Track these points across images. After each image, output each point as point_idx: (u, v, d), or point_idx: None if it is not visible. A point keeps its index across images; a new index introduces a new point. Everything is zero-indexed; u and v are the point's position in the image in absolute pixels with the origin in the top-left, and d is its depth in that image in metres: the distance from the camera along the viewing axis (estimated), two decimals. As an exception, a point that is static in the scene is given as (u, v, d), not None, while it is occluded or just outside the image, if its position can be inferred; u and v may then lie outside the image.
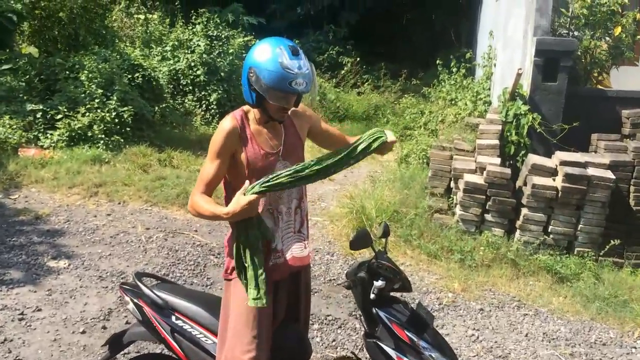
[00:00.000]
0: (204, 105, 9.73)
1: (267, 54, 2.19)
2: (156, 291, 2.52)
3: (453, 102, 9.14)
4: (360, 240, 2.29)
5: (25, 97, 7.72)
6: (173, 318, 2.46)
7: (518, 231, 5.48)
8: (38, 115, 7.38)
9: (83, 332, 3.68)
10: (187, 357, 2.40)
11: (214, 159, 2.31)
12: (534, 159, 5.64)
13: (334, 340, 3.89)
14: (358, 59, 13.04)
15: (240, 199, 2.14)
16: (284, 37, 2.31)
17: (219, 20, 10.82)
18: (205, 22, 10.41)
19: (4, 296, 4.00)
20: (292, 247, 2.37)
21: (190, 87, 9.80)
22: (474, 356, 3.88)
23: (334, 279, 4.76)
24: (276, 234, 2.35)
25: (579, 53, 6.35)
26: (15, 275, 4.30)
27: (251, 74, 2.23)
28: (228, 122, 2.32)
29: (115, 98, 7.56)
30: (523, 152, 5.95)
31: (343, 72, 12.78)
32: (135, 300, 2.53)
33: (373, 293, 2.25)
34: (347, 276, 2.42)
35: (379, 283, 2.24)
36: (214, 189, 2.36)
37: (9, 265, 4.44)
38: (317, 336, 3.93)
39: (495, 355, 3.92)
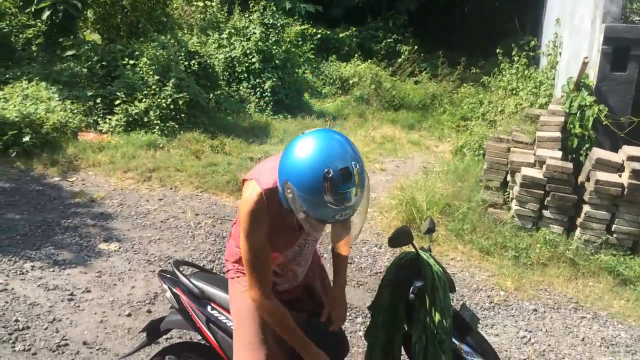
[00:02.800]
0: (258, 93, 9.76)
1: (310, 177, 1.73)
2: (193, 280, 2.49)
3: (514, 92, 8.79)
4: (401, 237, 2.17)
5: (86, 83, 7.97)
6: (209, 308, 2.42)
7: (578, 229, 5.18)
8: (98, 101, 7.59)
9: (129, 315, 3.74)
10: (221, 347, 2.36)
11: (257, 249, 2.00)
12: (598, 153, 5.31)
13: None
14: (416, 47, 12.75)
15: None
16: (335, 135, 1.82)
17: (275, 8, 10.80)
18: (261, 10, 10.42)
19: (56, 276, 4.12)
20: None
21: (245, 75, 9.86)
22: (525, 359, 3.69)
23: (380, 272, 4.65)
24: (283, 281, 2.28)
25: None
26: (68, 256, 4.42)
27: (287, 190, 1.80)
28: (259, 206, 1.95)
29: (171, 84, 7.67)
30: (587, 145, 5.62)
31: (400, 60, 12.53)
32: (173, 289, 2.51)
33: (412, 293, 2.13)
34: (385, 277, 2.32)
35: (419, 283, 2.12)
36: (271, 274, 2.12)
37: (62, 246, 4.57)
38: (360, 330, 3.84)
39: (548, 359, 3.72)
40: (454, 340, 2.13)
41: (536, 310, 4.32)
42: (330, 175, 1.70)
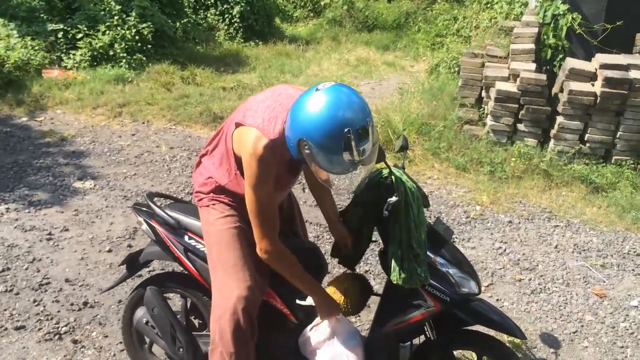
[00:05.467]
0: (227, 20, 9.44)
1: (331, 139, 1.77)
2: (168, 211, 2.47)
3: (489, 5, 8.61)
4: (373, 154, 2.15)
5: (45, 17, 7.61)
6: (186, 238, 2.42)
7: (552, 140, 5.24)
8: (59, 35, 7.27)
9: (109, 251, 3.75)
10: (201, 275, 2.38)
11: (266, 197, 2.00)
12: (572, 62, 5.29)
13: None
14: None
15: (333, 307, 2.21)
16: (351, 94, 1.84)
17: None
18: None
19: (32, 217, 4.08)
20: None
21: (212, 1, 9.48)
22: (500, 269, 3.81)
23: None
24: None
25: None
26: (43, 197, 4.37)
27: (305, 146, 1.82)
28: (266, 153, 1.94)
29: (134, 14, 7.36)
30: (561, 56, 5.60)
31: (372, -22, 12.11)
32: (149, 221, 2.50)
33: (386, 210, 2.14)
34: (356, 194, 2.32)
35: (392, 199, 2.13)
36: (279, 222, 2.11)
37: (36, 187, 4.50)
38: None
39: (523, 267, 3.85)
40: (428, 253, 2.17)
41: (511, 222, 4.43)
42: (350, 135, 1.76)
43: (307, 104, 1.81)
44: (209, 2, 9.52)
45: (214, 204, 2.24)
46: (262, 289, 2.17)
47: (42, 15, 7.67)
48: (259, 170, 1.95)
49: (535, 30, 5.69)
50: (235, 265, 2.12)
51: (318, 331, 2.27)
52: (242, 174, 2.09)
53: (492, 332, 2.36)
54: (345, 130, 1.76)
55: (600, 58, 5.14)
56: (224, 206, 2.21)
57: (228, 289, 2.08)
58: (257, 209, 2.01)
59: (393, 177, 2.17)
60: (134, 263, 2.63)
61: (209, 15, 9.49)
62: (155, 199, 2.59)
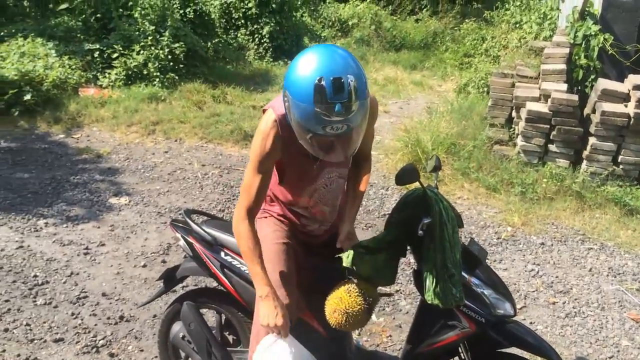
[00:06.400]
0: (256, 39, 9.58)
1: (303, 85, 1.73)
2: (205, 228, 2.53)
3: (518, 25, 8.61)
4: (406, 174, 2.17)
5: (82, 37, 7.85)
6: (222, 254, 2.47)
7: (585, 162, 5.19)
8: (95, 55, 7.47)
9: (144, 266, 3.82)
10: (237, 291, 2.42)
11: (256, 171, 2.02)
12: (604, 83, 5.25)
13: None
14: (415, -17, 12.41)
15: (272, 313, 1.99)
16: (337, 50, 1.82)
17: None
18: (255, -49, 10.08)
19: (70, 232, 4.19)
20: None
21: (242, 21, 9.65)
22: (533, 291, 3.78)
23: (388, 214, 4.69)
24: (311, 222, 2.29)
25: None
26: (80, 212, 4.48)
27: (285, 99, 1.82)
28: (271, 128, 1.97)
29: (167, 34, 7.54)
30: (592, 77, 5.55)
31: (399, -2, 12.23)
32: (186, 237, 2.55)
33: (421, 230, 2.16)
34: (393, 213, 2.33)
35: (427, 219, 2.14)
36: (261, 205, 2.12)
37: (73, 202, 4.62)
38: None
39: (556, 290, 3.80)
40: (463, 273, 2.17)
41: (543, 243, 4.39)
42: (321, 83, 1.70)
43: (295, 59, 1.83)
44: (239, 23, 9.69)
45: (265, 217, 2.30)
46: (301, 307, 2.20)
47: (79, 35, 7.92)
48: (256, 144, 1.99)
49: (567, 50, 5.67)
50: (277, 282, 2.16)
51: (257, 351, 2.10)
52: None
53: (526, 355, 2.34)
54: (318, 77, 1.71)
55: (634, 79, 5.09)
56: (275, 220, 2.26)
57: None
58: (247, 179, 2.04)
59: (427, 196, 2.19)
60: (171, 278, 2.69)
61: (239, 35, 9.66)
62: (193, 215, 2.65)
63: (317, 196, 2.20)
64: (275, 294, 2.04)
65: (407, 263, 3.99)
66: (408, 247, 2.32)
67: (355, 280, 2.13)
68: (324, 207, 2.24)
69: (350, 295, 2.09)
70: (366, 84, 1.81)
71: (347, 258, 2.07)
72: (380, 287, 2.31)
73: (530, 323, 3.43)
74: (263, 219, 2.29)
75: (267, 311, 2.01)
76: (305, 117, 1.75)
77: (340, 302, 2.09)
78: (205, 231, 2.50)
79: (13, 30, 7.83)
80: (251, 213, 2.06)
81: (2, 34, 7.75)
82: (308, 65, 1.75)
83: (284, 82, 1.84)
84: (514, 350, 2.23)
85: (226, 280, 2.44)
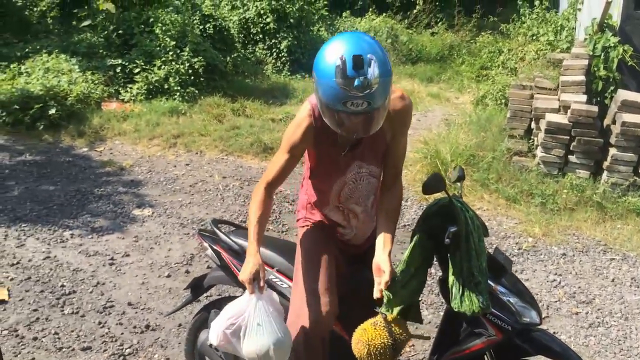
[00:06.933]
0: (274, 54, 9.71)
1: (327, 63, 1.83)
2: (232, 237, 2.58)
3: (534, 37, 8.61)
4: (433, 183, 2.20)
5: (104, 53, 8.01)
6: (249, 263, 2.51)
7: (605, 172, 5.17)
8: (117, 70, 7.63)
9: (168, 276, 3.88)
10: (264, 300, 2.46)
11: (285, 151, 2.13)
12: (624, 94, 5.25)
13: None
14: (431, -3, 12.50)
15: (244, 269, 2.08)
16: (364, 35, 1.91)
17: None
18: (273, -32, 10.24)
19: (95, 243, 4.27)
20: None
21: (261, 36, 9.79)
22: (556, 301, 3.77)
23: (408, 225, 4.72)
24: (347, 230, 2.34)
25: (679, -25, 5.74)
26: (104, 224, 4.56)
27: (313, 79, 1.93)
28: (305, 117, 2.09)
29: (187, 49, 7.67)
30: (612, 88, 5.55)
31: (415, 11, 12.30)
32: (214, 246, 2.60)
33: (448, 238, 2.18)
34: (419, 222, 2.36)
35: (453, 227, 2.17)
36: (281, 182, 2.24)
37: (97, 214, 4.71)
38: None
39: (579, 300, 3.79)
40: (489, 281, 2.19)
41: (565, 254, 4.37)
42: (343, 59, 1.78)
43: (323, 45, 1.92)
44: (258, 37, 9.83)
45: (307, 226, 2.36)
46: (336, 312, 2.23)
47: (101, 51, 8.09)
48: (290, 130, 2.12)
49: (585, 62, 5.68)
50: (314, 289, 2.19)
51: (231, 306, 2.12)
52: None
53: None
54: (341, 54, 1.80)
55: (654, 89, 5.09)
56: (316, 228, 2.32)
57: (303, 313, 2.16)
58: (275, 156, 2.17)
59: (453, 205, 2.22)
60: (198, 287, 2.74)
61: (257, 49, 9.80)
62: (220, 225, 2.70)
63: (347, 191, 2.23)
64: (253, 252, 2.09)
65: (429, 274, 3.99)
66: (434, 257, 2.34)
67: (386, 316, 2.11)
68: (354, 205, 2.27)
69: (375, 329, 2.09)
70: (389, 66, 1.87)
71: (386, 303, 2.09)
72: (413, 330, 2.27)
73: (554, 333, 3.41)
74: (305, 228, 2.34)
75: (243, 267, 2.12)
76: (327, 94, 1.83)
77: (364, 333, 2.09)
78: (233, 240, 2.55)
79: (38, 47, 8.04)
80: (270, 186, 2.17)
81: (27, 50, 7.95)
82: (333, 47, 1.84)
83: (313, 66, 1.93)
84: (539, 359, 2.23)
85: (253, 289, 2.48)
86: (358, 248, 2.41)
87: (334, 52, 1.82)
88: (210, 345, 2.62)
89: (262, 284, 2.07)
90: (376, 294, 2.07)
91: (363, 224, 2.34)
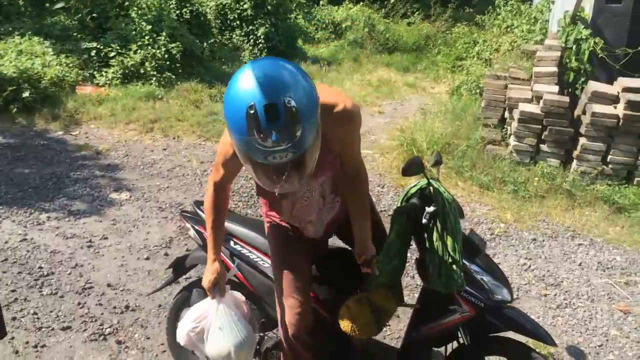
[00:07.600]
0: (251, 40, 9.68)
1: (236, 113, 1.49)
2: (214, 218, 2.61)
3: (509, 29, 8.77)
4: (412, 166, 2.28)
5: (79, 36, 7.91)
6: (231, 243, 2.56)
7: (575, 161, 5.33)
8: (92, 54, 7.54)
9: (147, 259, 3.90)
10: (247, 279, 2.51)
11: (219, 165, 2.03)
12: (594, 86, 5.40)
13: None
14: (408, -14, 12.58)
15: (209, 277, 2.20)
16: (276, 66, 1.55)
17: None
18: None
19: (72, 225, 4.25)
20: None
21: (238, 22, 9.76)
22: (525, 284, 3.90)
23: (384, 210, 4.81)
24: (306, 231, 2.30)
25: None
26: (81, 207, 4.54)
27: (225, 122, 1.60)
28: (230, 143, 1.79)
29: (164, 34, 7.62)
30: (583, 79, 5.71)
31: (392, 1, 12.37)
32: (196, 227, 2.64)
33: (425, 218, 2.27)
34: (399, 204, 2.43)
35: (430, 208, 2.25)
36: (231, 181, 2.19)
37: (74, 197, 4.68)
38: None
39: (547, 283, 3.93)
40: (464, 261, 2.28)
41: (535, 239, 4.51)
42: (252, 111, 1.46)
43: (232, 79, 1.57)
44: (235, 24, 9.79)
45: (269, 222, 2.39)
46: (310, 303, 2.30)
47: (75, 34, 7.97)
48: (219, 150, 2.00)
49: (558, 53, 5.83)
50: (290, 283, 2.24)
51: (195, 309, 2.27)
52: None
53: (522, 339, 2.44)
54: (250, 102, 1.46)
55: (623, 82, 5.24)
56: (277, 225, 2.34)
57: (283, 314, 2.25)
58: (215, 160, 2.09)
59: (431, 187, 2.30)
60: (180, 267, 2.77)
61: (234, 36, 9.76)
62: (202, 206, 2.74)
63: (299, 207, 2.18)
64: (212, 259, 2.23)
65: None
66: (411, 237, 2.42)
67: (371, 291, 2.24)
68: (307, 217, 2.22)
69: (357, 305, 2.22)
70: (316, 102, 1.56)
71: (370, 282, 2.23)
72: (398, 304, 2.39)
73: (524, 314, 3.55)
74: (268, 224, 2.38)
75: (204, 273, 2.23)
76: (243, 148, 1.53)
77: (347, 310, 2.21)
78: (215, 220, 2.58)
79: (10, 29, 7.88)
80: (217, 185, 2.16)
81: (-1, 32, 7.80)
82: (240, 90, 1.50)
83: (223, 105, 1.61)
84: (510, 335, 2.34)
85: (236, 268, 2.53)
86: (319, 240, 2.39)
87: (242, 99, 1.48)
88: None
89: (223, 288, 2.22)
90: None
91: (319, 224, 2.29)
